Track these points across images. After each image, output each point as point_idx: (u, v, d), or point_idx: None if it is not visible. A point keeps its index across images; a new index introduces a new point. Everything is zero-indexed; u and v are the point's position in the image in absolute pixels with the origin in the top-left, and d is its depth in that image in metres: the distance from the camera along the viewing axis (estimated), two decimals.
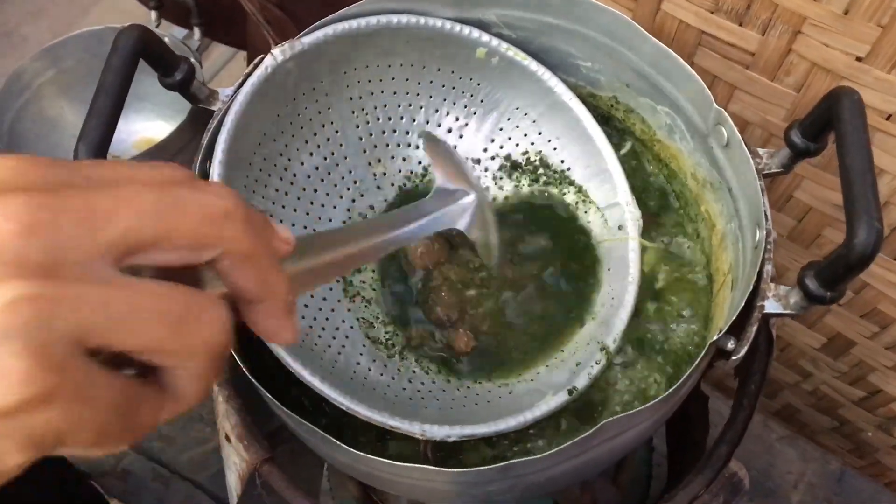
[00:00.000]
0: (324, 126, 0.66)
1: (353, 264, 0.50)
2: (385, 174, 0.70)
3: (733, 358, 0.48)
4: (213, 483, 1.08)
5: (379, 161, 0.70)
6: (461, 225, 0.60)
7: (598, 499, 0.63)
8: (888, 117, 0.65)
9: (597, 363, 0.61)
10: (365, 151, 0.69)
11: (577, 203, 0.70)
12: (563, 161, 0.70)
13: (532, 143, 0.71)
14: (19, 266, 0.22)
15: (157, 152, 1.03)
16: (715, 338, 0.48)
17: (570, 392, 0.59)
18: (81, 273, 0.23)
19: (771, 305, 0.49)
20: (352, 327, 0.62)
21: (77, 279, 0.23)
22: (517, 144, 0.71)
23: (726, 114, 0.55)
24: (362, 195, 0.69)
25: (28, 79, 1.11)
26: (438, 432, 0.53)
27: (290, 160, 0.64)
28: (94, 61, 1.09)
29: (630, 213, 0.67)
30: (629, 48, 0.62)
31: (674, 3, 0.69)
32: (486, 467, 0.46)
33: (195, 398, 0.27)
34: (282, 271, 0.29)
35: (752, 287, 0.49)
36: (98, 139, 0.49)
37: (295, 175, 0.64)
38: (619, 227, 0.67)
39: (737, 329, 0.49)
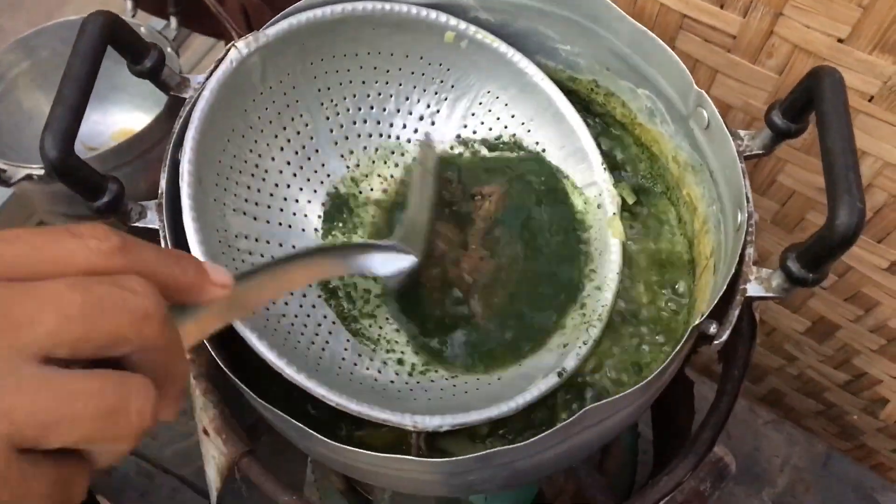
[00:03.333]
0: (293, 119, 0.64)
1: (290, 288, 0.55)
2: (358, 166, 0.69)
3: (715, 342, 0.47)
4: (198, 477, 1.07)
5: (352, 153, 0.68)
6: (384, 273, 0.59)
7: (583, 486, 0.63)
8: (870, 99, 0.65)
9: (584, 343, 0.60)
10: (337, 143, 0.68)
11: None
12: (537, 143, 0.70)
13: (506, 127, 0.70)
14: None
15: (135, 143, 1.02)
16: (697, 322, 0.47)
17: (559, 374, 0.58)
18: (7, 378, 0.24)
19: (753, 289, 0.48)
20: (334, 322, 0.61)
21: (4, 388, 0.24)
22: (490, 129, 0.71)
23: (706, 95, 0.55)
24: (336, 188, 0.67)
25: (2, 70, 1.10)
26: (430, 423, 0.52)
27: (260, 156, 0.63)
28: (69, 52, 1.08)
29: (608, 192, 0.66)
30: (608, 30, 0.61)
31: None
32: (465, 456, 0.45)
33: (115, 463, 0.28)
34: (186, 362, 0.30)
35: (733, 270, 0.48)
36: (64, 128, 0.48)
37: (266, 170, 0.63)
38: (598, 206, 0.67)
39: (719, 313, 0.48)
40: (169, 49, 1.05)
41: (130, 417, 0.26)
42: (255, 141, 0.62)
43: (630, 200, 0.67)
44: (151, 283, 0.28)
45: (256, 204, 0.62)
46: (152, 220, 0.53)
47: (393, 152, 0.70)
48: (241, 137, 0.61)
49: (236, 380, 0.50)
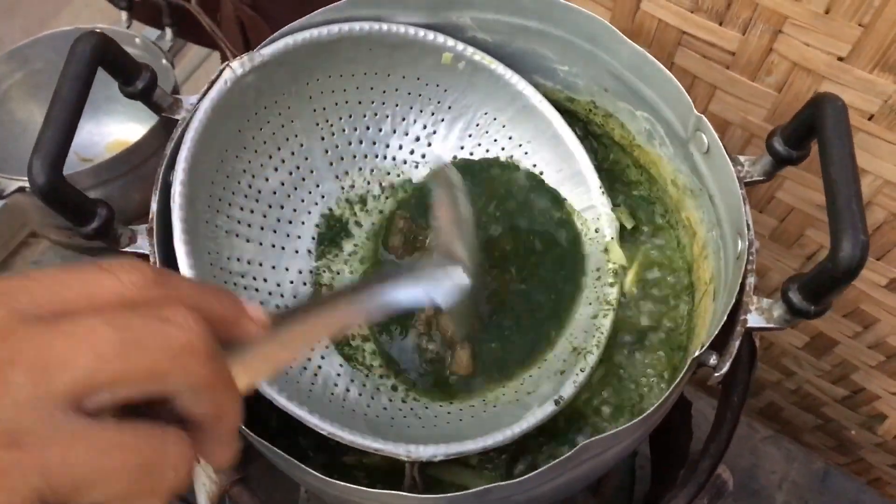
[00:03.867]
0: (288, 140, 0.64)
1: (329, 333, 0.46)
2: (353, 187, 0.68)
3: (716, 374, 0.47)
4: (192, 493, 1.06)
5: (346, 174, 0.68)
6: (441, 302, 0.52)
7: None
8: (870, 117, 0.65)
9: (581, 370, 0.59)
10: (332, 164, 0.67)
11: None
12: (535, 165, 0.69)
13: (503, 149, 0.70)
14: None
15: (130, 155, 1.00)
16: (697, 353, 0.46)
17: (556, 402, 0.57)
18: (41, 430, 0.23)
19: (754, 319, 0.48)
20: (326, 346, 0.60)
21: (38, 440, 0.23)
22: (487, 150, 0.70)
23: (706, 120, 0.54)
24: (330, 210, 0.67)
25: None
26: (424, 452, 0.51)
27: (254, 176, 0.62)
28: (63, 63, 1.07)
29: (606, 216, 0.65)
30: (606, 51, 0.60)
31: (653, 3, 0.68)
32: (461, 493, 0.44)
33: None
34: (238, 400, 0.28)
35: (734, 300, 0.47)
36: (54, 152, 0.47)
37: (260, 192, 0.62)
38: (596, 231, 0.66)
39: (719, 343, 0.48)
40: (164, 60, 1.04)
41: (166, 473, 0.25)
42: (249, 161, 0.61)
43: (628, 225, 0.66)
44: (194, 313, 0.26)
45: (249, 225, 0.61)
46: (143, 244, 0.53)
47: (389, 173, 0.69)
48: (234, 158, 0.60)
49: None
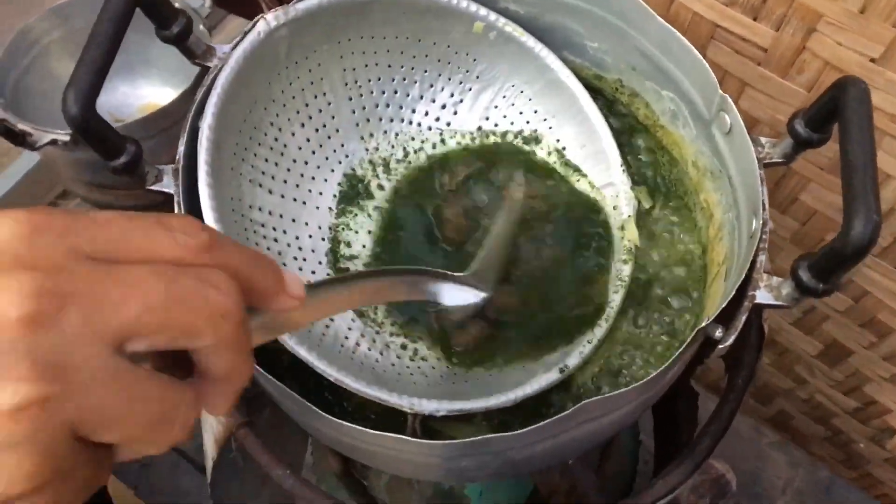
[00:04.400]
0: (316, 97, 0.64)
1: (354, 305, 0.54)
2: (377, 149, 0.69)
3: (720, 346, 0.47)
4: (198, 454, 1.07)
5: (372, 135, 0.68)
6: (451, 304, 0.57)
7: (578, 484, 0.62)
8: None
9: (588, 342, 0.60)
10: (358, 125, 0.68)
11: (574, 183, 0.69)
12: (558, 140, 0.69)
13: (528, 122, 0.70)
14: (23, 365, 0.23)
15: (161, 116, 1.02)
16: (703, 324, 0.47)
17: (561, 370, 0.58)
18: (85, 368, 0.24)
19: (762, 296, 0.48)
20: None
21: (80, 377, 0.24)
22: (512, 123, 0.71)
23: (730, 100, 0.54)
24: (353, 169, 0.68)
25: (36, 36, 1.11)
26: (427, 406, 0.52)
27: (280, 130, 0.62)
28: None
29: (625, 194, 0.66)
30: (636, 28, 0.61)
31: None
32: (457, 441, 0.45)
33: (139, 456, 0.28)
34: (251, 364, 0.30)
35: (744, 276, 0.48)
36: (87, 86, 0.48)
37: (286, 145, 0.63)
38: (615, 208, 0.66)
39: (727, 318, 0.48)
40: (202, 27, 1.06)
41: (174, 429, 0.27)
42: (277, 115, 0.62)
43: (646, 205, 0.67)
44: (235, 282, 0.28)
45: (273, 178, 0.62)
46: (168, 184, 0.54)
47: (413, 138, 0.70)
48: (262, 110, 0.61)
49: None
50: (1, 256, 0.24)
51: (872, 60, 0.63)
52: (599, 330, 0.60)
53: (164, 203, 0.53)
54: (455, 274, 0.56)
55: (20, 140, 0.99)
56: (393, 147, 0.69)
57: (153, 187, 0.53)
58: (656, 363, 0.61)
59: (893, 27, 0.59)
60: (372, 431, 0.46)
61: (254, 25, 0.57)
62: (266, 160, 0.61)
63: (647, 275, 0.65)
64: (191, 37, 0.56)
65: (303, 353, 0.51)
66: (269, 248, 0.59)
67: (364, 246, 0.66)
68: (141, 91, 1.21)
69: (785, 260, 0.87)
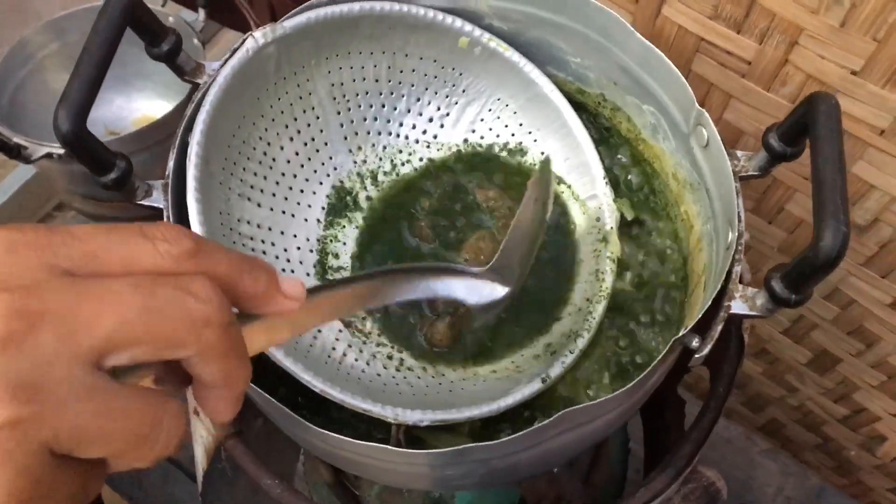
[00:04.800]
0: (304, 111, 0.65)
1: (360, 307, 0.54)
2: (365, 162, 0.70)
3: (696, 356, 0.48)
4: (191, 463, 1.08)
5: (360, 148, 0.69)
6: (472, 303, 0.55)
7: (565, 493, 0.63)
8: (881, 133, 0.65)
9: (570, 352, 0.61)
10: (346, 138, 0.69)
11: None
12: (542, 153, 0.70)
13: (513, 135, 0.71)
14: None
15: (155, 130, 1.03)
16: (680, 334, 0.48)
17: (543, 380, 0.59)
18: (60, 387, 0.24)
19: (738, 306, 0.49)
20: None
21: (55, 397, 0.24)
22: (498, 135, 0.72)
23: (707, 114, 0.55)
24: (341, 182, 0.69)
25: (31, 50, 1.12)
26: (411, 416, 0.53)
27: (269, 144, 0.63)
28: None
29: (608, 206, 0.67)
30: (617, 44, 0.62)
31: (674, 8, 0.68)
32: (440, 450, 0.46)
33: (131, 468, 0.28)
34: (247, 368, 0.30)
35: (720, 286, 0.49)
36: (79, 101, 0.49)
37: (274, 160, 0.64)
38: (598, 219, 0.67)
39: (704, 328, 0.49)
40: (195, 41, 1.07)
41: (158, 443, 0.26)
42: (266, 129, 0.63)
43: (629, 216, 0.68)
44: (217, 288, 0.28)
45: (262, 191, 0.63)
46: (157, 199, 0.55)
47: (401, 151, 0.71)
48: (251, 125, 0.61)
49: None
50: None
51: (854, 73, 0.63)
52: (581, 340, 0.61)
53: (157, 216, 0.54)
54: (473, 269, 0.54)
55: (15, 153, 1.00)
56: (381, 160, 0.70)
57: (143, 202, 0.54)
58: (635, 371, 0.62)
59: (873, 40, 0.60)
60: (356, 441, 0.47)
61: (242, 42, 0.58)
62: (255, 174, 0.62)
63: (630, 285, 0.65)
64: (181, 54, 0.57)
65: (289, 364, 0.52)
66: None
67: (352, 257, 0.67)
68: (135, 104, 1.22)
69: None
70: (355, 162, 0.69)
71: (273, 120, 0.63)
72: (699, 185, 0.60)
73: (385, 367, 0.61)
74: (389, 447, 0.47)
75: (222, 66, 0.57)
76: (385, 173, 0.70)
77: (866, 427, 0.96)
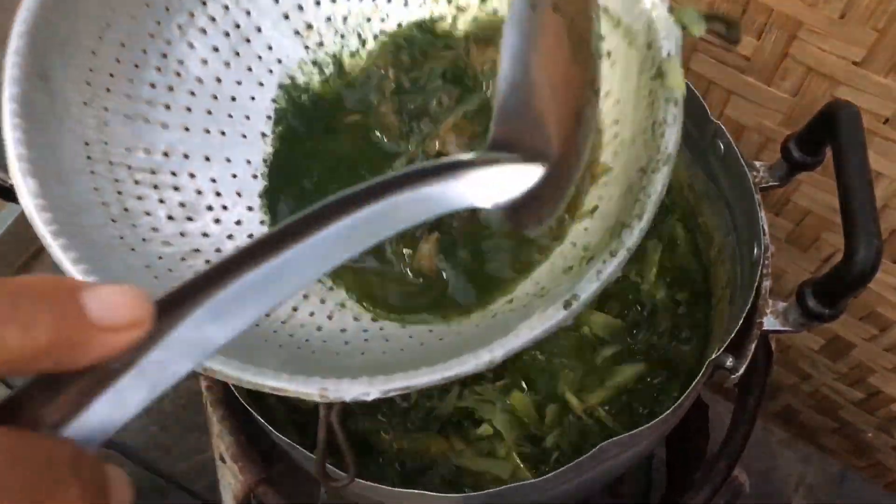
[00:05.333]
0: None
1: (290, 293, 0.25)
2: (321, 44, 0.52)
3: (732, 376, 0.47)
4: (211, 492, 1.07)
5: (310, 27, 0.51)
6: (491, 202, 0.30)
7: None
8: (885, 121, 0.65)
9: (612, 255, 0.35)
10: (287, 16, 0.50)
11: None
12: None
13: None
14: None
15: None
16: (714, 356, 0.47)
17: (566, 305, 0.34)
18: None
19: (769, 322, 0.48)
20: None
21: None
22: None
23: (723, 127, 0.54)
24: (292, 78, 0.51)
25: None
26: (349, 389, 0.33)
27: (169, 42, 0.46)
28: None
29: (663, 20, 0.40)
30: None
31: None
32: (478, 492, 0.45)
33: None
34: (91, 488, 0.20)
35: (749, 304, 0.48)
36: None
37: (182, 62, 0.47)
38: (648, 46, 0.41)
39: (735, 346, 0.48)
40: None
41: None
42: (159, 22, 0.46)
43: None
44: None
45: (167, 107, 0.46)
46: None
47: (369, 19, 0.52)
48: (131, 18, 0.45)
49: (251, 409, 0.50)
50: None
51: (855, 64, 0.63)
52: (629, 235, 0.36)
53: None
54: (463, 157, 0.29)
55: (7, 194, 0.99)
56: (343, 37, 0.52)
57: None
58: (662, 388, 0.60)
59: (874, 30, 0.60)
60: (385, 487, 0.46)
61: None
62: (153, 85, 0.46)
63: (651, 298, 0.64)
64: None
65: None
66: (163, 201, 0.44)
67: (319, 178, 0.50)
68: None
69: (781, 260, 0.87)
70: (307, 47, 0.51)
71: (167, 9, 0.46)
72: (717, 196, 0.59)
73: (356, 320, 0.45)
74: (425, 492, 0.46)
75: None
76: (352, 53, 0.52)
77: (883, 409, 0.97)
